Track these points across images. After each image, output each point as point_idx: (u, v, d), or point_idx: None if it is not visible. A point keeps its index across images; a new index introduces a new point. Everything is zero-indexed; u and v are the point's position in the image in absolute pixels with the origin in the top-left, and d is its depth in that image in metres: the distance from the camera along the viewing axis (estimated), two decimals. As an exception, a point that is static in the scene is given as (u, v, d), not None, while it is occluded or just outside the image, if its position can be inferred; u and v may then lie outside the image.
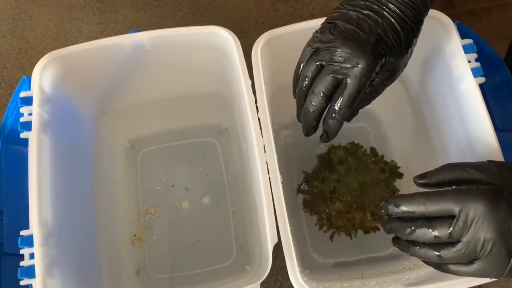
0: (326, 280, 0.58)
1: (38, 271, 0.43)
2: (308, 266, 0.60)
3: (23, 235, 0.45)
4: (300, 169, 0.66)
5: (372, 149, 0.66)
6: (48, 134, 0.51)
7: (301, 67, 0.46)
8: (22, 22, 0.76)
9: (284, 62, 0.51)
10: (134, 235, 0.65)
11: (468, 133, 0.52)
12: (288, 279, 0.63)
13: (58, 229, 0.48)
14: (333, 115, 0.45)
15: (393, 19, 0.43)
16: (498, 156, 0.48)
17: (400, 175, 0.64)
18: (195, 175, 0.68)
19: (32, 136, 0.48)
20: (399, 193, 0.64)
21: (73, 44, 0.74)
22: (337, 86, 0.44)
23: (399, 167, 0.64)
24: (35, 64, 0.74)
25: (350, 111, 0.45)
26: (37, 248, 0.44)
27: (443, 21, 0.53)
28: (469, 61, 0.51)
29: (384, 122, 0.70)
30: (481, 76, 0.51)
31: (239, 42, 0.53)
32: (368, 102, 0.48)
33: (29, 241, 0.44)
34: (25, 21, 0.76)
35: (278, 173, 0.48)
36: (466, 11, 1.41)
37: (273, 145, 0.49)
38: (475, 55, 0.52)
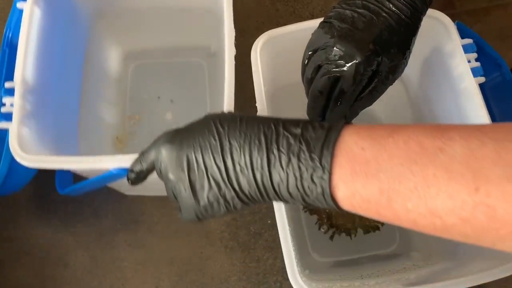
0: (326, 280, 0.58)
1: (15, 117, 0.49)
2: (308, 266, 0.60)
3: (7, 87, 0.50)
4: None
5: None
6: (42, 7, 0.54)
7: (303, 70, 0.47)
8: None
9: (285, 62, 0.51)
10: (117, 138, 0.68)
11: None
12: (288, 279, 0.63)
13: (40, 91, 0.53)
14: (332, 112, 0.46)
15: (390, 17, 0.43)
16: None
17: None
18: (181, 91, 0.73)
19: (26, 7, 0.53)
20: None
21: None
22: (335, 85, 0.45)
23: None
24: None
25: (348, 108, 0.46)
26: (16, 99, 0.50)
27: (442, 20, 0.53)
28: (469, 61, 0.51)
29: (384, 122, 0.70)
30: (481, 75, 0.51)
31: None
32: (370, 103, 0.48)
33: (11, 92, 0.50)
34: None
35: None
36: (466, 11, 1.41)
37: None
38: (475, 55, 0.52)
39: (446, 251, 0.58)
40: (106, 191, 0.68)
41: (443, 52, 0.54)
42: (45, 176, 0.68)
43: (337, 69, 0.43)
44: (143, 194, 0.68)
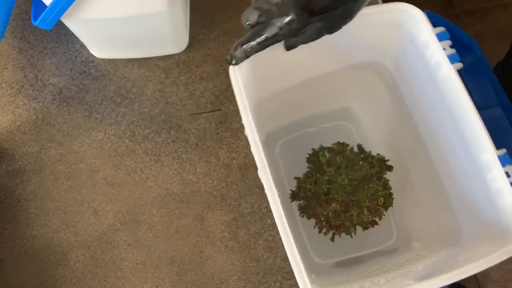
0: (335, 284, 0.58)
1: None
2: (313, 270, 0.60)
3: None
4: (290, 175, 0.66)
5: (359, 146, 0.66)
6: None
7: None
8: (22, 22, 0.76)
9: (269, 70, 0.50)
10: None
11: (453, 117, 0.53)
12: (288, 279, 0.64)
13: None
14: (245, 45, 0.44)
15: None
16: (483, 133, 0.49)
17: (390, 168, 0.65)
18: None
19: None
20: (391, 188, 0.64)
21: (73, 44, 0.75)
22: (263, 22, 0.43)
23: (387, 160, 0.65)
24: (35, 64, 0.74)
25: (260, 50, 0.45)
26: None
27: (413, 12, 0.53)
28: (444, 49, 0.52)
29: (365, 117, 0.70)
30: (458, 61, 0.51)
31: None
32: (303, 42, 0.46)
33: None
34: (25, 21, 0.76)
35: (274, 190, 0.47)
36: (466, 11, 1.41)
37: (266, 163, 0.47)
38: (449, 42, 0.52)
39: (447, 239, 0.59)
40: (107, 191, 0.68)
41: (418, 43, 0.54)
42: (46, 176, 0.69)
43: (271, 14, 0.42)
44: (114, 57, 0.69)
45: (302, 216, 0.64)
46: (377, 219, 0.62)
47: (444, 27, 0.53)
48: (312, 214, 0.63)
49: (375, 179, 0.63)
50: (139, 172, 0.69)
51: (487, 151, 0.49)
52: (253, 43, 0.44)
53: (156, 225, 0.67)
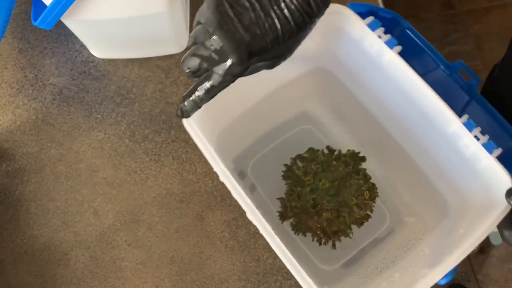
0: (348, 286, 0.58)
1: None
2: (325, 281, 0.60)
3: None
4: (272, 195, 0.66)
5: (328, 147, 0.66)
6: None
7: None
8: (22, 22, 0.76)
9: (222, 102, 0.48)
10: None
11: (410, 99, 0.53)
12: (288, 279, 0.64)
13: None
14: (192, 97, 0.43)
15: (278, 20, 0.39)
16: (444, 107, 0.50)
17: (363, 159, 0.65)
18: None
19: None
20: (371, 178, 0.65)
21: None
22: (206, 70, 0.42)
23: (358, 152, 0.65)
24: (35, 64, 0.74)
25: (210, 99, 0.43)
26: None
27: (339, 11, 0.53)
28: (379, 36, 0.52)
29: (325, 117, 0.70)
30: (397, 45, 0.52)
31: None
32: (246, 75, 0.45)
33: None
34: (25, 21, 0.76)
35: (266, 224, 0.47)
36: (466, 11, 1.41)
37: (248, 201, 0.47)
38: (382, 29, 0.53)
39: (436, 211, 0.60)
40: (107, 191, 0.68)
41: (354, 39, 0.54)
42: (46, 176, 0.69)
43: (212, 61, 0.41)
44: (114, 57, 0.69)
45: (298, 234, 0.64)
46: (368, 212, 0.62)
47: (369, 11, 0.54)
48: (306, 228, 0.63)
49: (354, 174, 0.63)
50: (139, 172, 0.69)
51: (452, 123, 0.50)
52: (200, 93, 0.42)
53: (156, 225, 0.67)
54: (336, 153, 0.65)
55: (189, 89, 0.43)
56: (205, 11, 0.40)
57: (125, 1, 0.59)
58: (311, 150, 0.66)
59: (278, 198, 0.65)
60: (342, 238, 0.63)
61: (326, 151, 0.66)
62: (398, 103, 0.57)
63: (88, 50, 0.73)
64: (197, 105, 0.43)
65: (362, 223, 0.62)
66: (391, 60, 0.52)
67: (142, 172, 0.69)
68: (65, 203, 0.68)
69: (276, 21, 0.39)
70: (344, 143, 0.68)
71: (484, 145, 0.49)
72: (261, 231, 0.47)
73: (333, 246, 0.63)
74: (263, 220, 0.47)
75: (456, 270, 0.48)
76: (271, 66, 0.43)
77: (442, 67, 0.57)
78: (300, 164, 0.65)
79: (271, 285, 0.64)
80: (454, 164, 0.54)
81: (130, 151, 0.70)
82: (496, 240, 1.17)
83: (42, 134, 0.71)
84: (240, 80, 0.42)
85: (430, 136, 0.55)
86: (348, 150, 0.65)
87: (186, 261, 0.66)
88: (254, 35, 0.39)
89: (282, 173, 0.66)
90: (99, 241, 0.66)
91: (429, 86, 0.50)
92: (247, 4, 0.39)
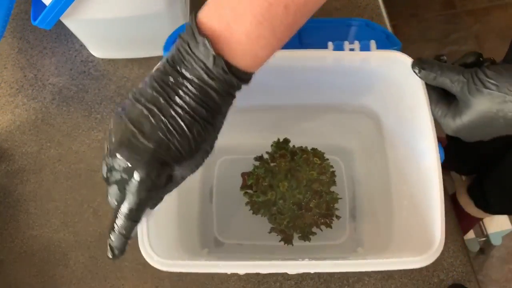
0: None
1: None
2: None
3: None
4: (248, 216, 0.65)
5: (278, 142, 0.66)
6: None
7: None
8: (21, 22, 0.76)
9: None
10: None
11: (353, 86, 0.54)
12: (288, 279, 0.64)
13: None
14: (115, 229, 0.38)
15: (180, 118, 0.36)
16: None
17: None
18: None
19: None
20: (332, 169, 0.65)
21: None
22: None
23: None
24: (34, 64, 0.74)
25: (135, 225, 0.39)
26: None
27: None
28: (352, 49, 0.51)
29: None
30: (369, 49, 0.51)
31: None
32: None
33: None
34: (25, 21, 0.76)
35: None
36: (466, 11, 1.41)
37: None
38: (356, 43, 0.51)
39: (381, 245, 0.58)
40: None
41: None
42: (45, 176, 0.69)
43: (124, 182, 0.37)
44: (114, 57, 0.69)
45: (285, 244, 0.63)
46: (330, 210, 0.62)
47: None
48: (279, 230, 0.62)
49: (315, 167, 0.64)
50: (139, 172, 0.69)
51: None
52: (122, 221, 0.38)
53: (156, 225, 0.67)
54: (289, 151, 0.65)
55: (111, 222, 0.39)
56: (112, 133, 0.37)
57: (124, 0, 0.59)
58: (259, 157, 0.66)
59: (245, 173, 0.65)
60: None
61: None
62: (339, 86, 0.56)
63: (87, 50, 0.73)
64: (124, 236, 0.38)
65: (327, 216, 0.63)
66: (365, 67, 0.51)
67: (142, 172, 0.69)
68: (64, 203, 0.68)
69: (179, 119, 0.35)
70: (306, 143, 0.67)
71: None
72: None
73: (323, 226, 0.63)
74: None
75: None
76: (195, 168, 0.39)
77: None
78: (253, 173, 0.65)
79: (271, 285, 0.64)
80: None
81: (130, 151, 0.70)
82: (496, 241, 1.17)
83: (41, 134, 0.70)
84: None
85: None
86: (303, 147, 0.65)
87: (186, 261, 0.66)
88: (158, 141, 0.36)
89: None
90: (99, 241, 0.66)
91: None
92: (146, 112, 0.36)
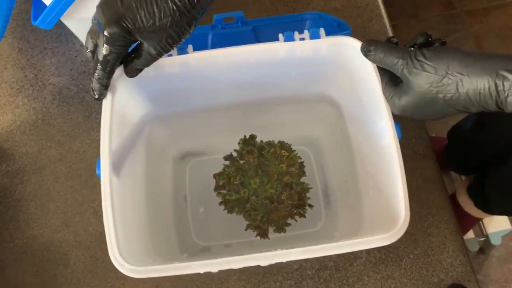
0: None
1: None
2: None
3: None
4: (224, 217, 0.64)
5: (245, 139, 0.65)
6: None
7: None
8: (22, 22, 0.76)
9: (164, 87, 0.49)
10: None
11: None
12: (288, 279, 0.64)
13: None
14: (95, 76, 0.45)
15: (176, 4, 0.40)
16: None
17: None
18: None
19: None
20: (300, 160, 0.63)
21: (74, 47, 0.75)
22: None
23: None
24: (35, 64, 0.74)
25: (108, 75, 0.45)
26: None
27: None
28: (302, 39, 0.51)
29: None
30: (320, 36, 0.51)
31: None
32: (142, 65, 0.46)
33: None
34: (25, 21, 0.76)
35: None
36: (466, 11, 1.41)
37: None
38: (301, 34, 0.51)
39: (355, 228, 0.59)
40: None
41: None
42: (46, 176, 0.69)
43: (97, 34, 0.44)
44: None
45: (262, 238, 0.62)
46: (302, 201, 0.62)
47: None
48: (255, 226, 0.62)
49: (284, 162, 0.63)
50: (139, 172, 0.69)
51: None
52: (98, 71, 0.44)
53: (156, 225, 0.67)
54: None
55: (92, 68, 0.45)
56: None
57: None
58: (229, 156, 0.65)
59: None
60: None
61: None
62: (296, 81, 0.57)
63: (88, 50, 0.73)
64: (100, 83, 0.45)
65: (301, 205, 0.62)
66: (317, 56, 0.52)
67: (142, 172, 0.69)
68: (65, 203, 0.68)
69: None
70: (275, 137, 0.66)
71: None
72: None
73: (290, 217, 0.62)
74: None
75: None
76: (160, 51, 0.43)
77: None
78: (223, 173, 0.64)
79: (271, 285, 0.64)
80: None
81: (130, 151, 0.70)
82: (496, 241, 1.17)
83: (42, 134, 0.71)
84: None
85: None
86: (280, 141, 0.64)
87: (186, 261, 0.66)
88: (129, 7, 0.40)
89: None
90: (99, 241, 0.66)
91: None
92: None
